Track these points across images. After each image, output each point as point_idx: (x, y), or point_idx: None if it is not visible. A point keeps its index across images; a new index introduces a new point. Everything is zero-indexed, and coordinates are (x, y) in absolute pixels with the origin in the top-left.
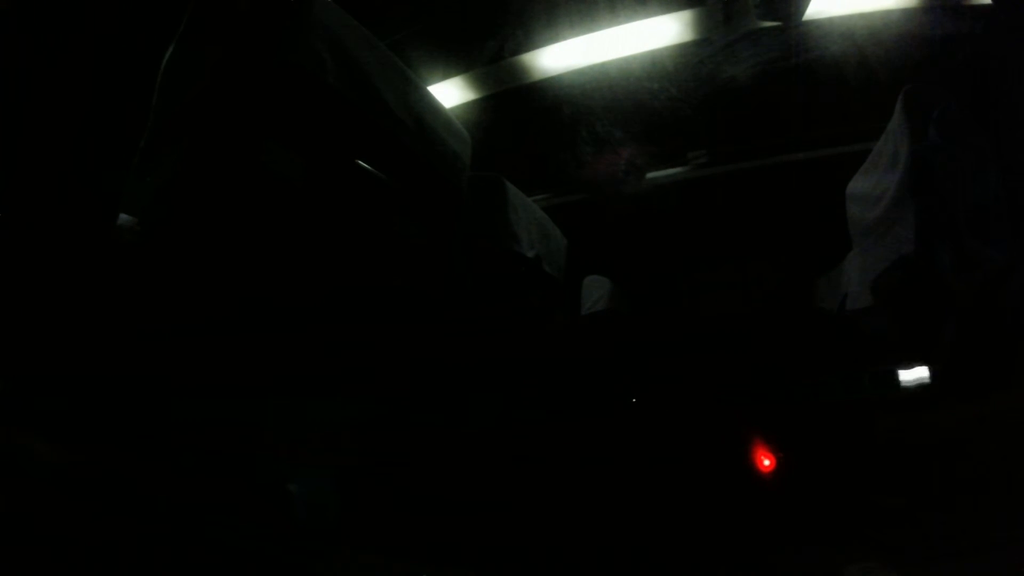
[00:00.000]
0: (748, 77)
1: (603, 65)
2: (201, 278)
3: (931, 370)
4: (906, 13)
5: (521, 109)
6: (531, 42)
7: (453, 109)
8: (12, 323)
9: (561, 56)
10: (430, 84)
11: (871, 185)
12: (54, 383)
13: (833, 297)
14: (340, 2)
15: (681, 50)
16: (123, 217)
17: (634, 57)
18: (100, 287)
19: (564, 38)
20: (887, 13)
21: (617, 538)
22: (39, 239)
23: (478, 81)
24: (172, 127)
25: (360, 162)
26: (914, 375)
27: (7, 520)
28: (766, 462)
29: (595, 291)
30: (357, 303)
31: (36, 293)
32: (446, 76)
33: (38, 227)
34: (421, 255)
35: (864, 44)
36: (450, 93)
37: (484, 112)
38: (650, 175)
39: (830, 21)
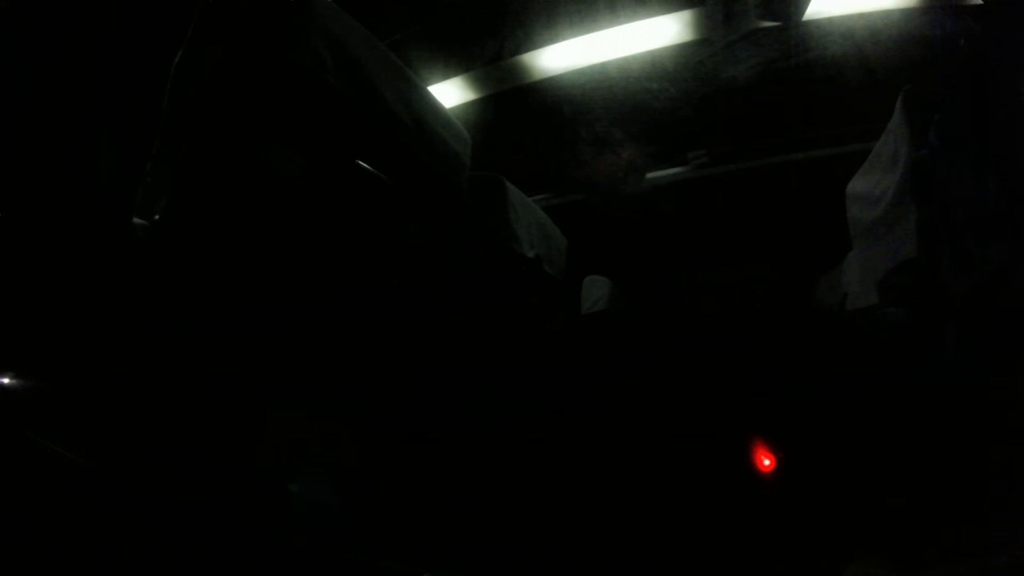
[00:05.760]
0: (748, 77)
1: (603, 65)
2: (201, 278)
3: (931, 370)
4: (906, 13)
5: (521, 109)
6: (531, 42)
7: (453, 109)
8: (17, 322)
9: (561, 56)
10: (430, 84)
11: (871, 185)
12: (57, 383)
13: (833, 297)
14: (340, 2)
15: (681, 50)
16: (135, 220)
17: (634, 57)
18: (107, 287)
19: (564, 38)
20: (887, 13)
21: (617, 538)
22: (43, 240)
23: (478, 81)
24: (174, 128)
25: (360, 162)
26: (914, 375)
27: (7, 520)
28: (766, 462)
29: (595, 291)
30: (357, 303)
31: (42, 293)
32: (446, 76)
33: (41, 228)
34: (421, 255)
35: (864, 44)
36: (450, 93)
37: (484, 112)
38: (650, 175)
39: (830, 21)
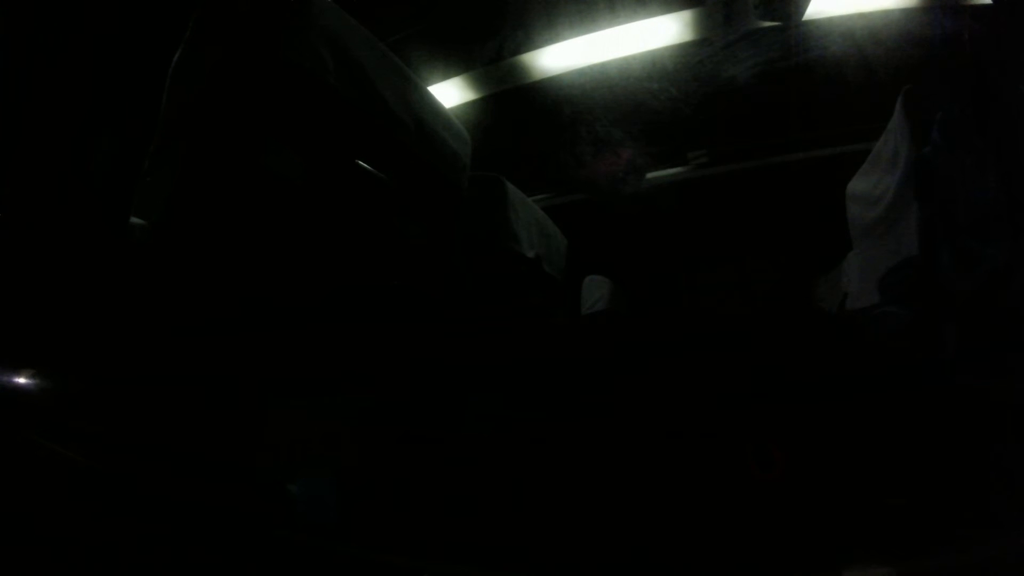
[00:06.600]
0: (748, 77)
1: (603, 65)
2: (201, 278)
3: (931, 370)
4: (906, 13)
5: (521, 109)
6: (531, 42)
7: (453, 109)
8: (17, 322)
9: (561, 56)
10: (430, 84)
11: (871, 185)
12: (57, 383)
13: (833, 297)
14: (340, 2)
15: (681, 50)
16: (133, 220)
17: (634, 57)
18: (106, 287)
19: (564, 38)
20: (887, 13)
21: (617, 538)
22: (42, 240)
23: (478, 81)
24: (175, 129)
25: (360, 162)
26: (914, 375)
27: (7, 520)
28: (766, 462)
29: (595, 291)
30: (357, 303)
31: (41, 293)
32: (446, 76)
33: (41, 228)
34: (421, 255)
35: (864, 44)
36: (450, 93)
37: (484, 112)
38: (650, 175)
39: (830, 21)
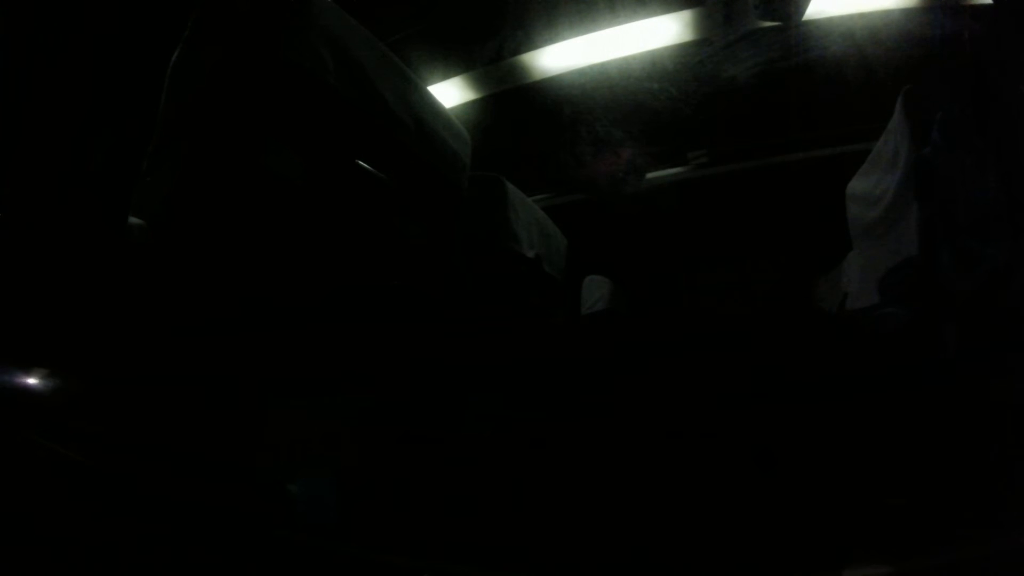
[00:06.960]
0: (748, 77)
1: (603, 65)
2: (201, 278)
3: (931, 370)
4: (906, 13)
5: (521, 109)
6: (531, 42)
7: (453, 109)
8: (17, 323)
9: (561, 56)
10: (430, 84)
11: (871, 185)
12: (57, 383)
13: (833, 297)
14: (340, 2)
15: (681, 50)
16: (131, 219)
17: (634, 57)
18: (106, 287)
19: (564, 38)
20: (887, 13)
21: (617, 538)
22: (43, 240)
23: (478, 81)
24: (174, 129)
25: (360, 162)
26: (914, 375)
27: (7, 520)
28: (766, 462)
29: (595, 291)
30: (357, 303)
31: (41, 293)
32: (446, 76)
33: (41, 228)
34: (421, 255)
35: (864, 44)
36: (450, 93)
37: (484, 112)
38: (650, 175)
39: (830, 21)
